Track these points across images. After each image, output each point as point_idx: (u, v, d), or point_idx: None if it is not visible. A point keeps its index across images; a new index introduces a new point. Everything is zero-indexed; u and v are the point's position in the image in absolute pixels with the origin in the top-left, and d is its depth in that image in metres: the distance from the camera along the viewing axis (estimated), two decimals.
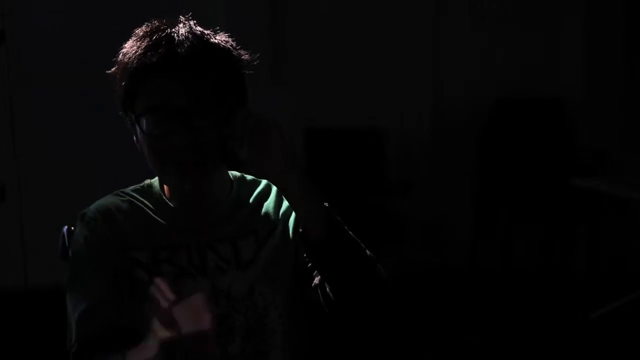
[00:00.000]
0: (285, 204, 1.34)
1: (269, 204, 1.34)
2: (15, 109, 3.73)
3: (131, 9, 3.58)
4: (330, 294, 1.21)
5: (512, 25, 4.26)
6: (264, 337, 1.26)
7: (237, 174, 1.38)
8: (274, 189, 1.36)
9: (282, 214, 1.34)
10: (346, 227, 1.20)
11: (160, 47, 1.17)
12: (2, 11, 3.64)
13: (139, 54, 1.18)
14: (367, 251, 1.22)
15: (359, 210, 3.88)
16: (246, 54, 1.26)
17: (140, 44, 1.19)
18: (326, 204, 1.20)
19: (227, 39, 1.25)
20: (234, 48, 1.25)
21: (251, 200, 1.34)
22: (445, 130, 4.29)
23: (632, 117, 4.28)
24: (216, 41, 1.23)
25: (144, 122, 1.20)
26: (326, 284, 1.21)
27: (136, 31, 1.23)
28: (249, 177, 1.39)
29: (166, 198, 1.31)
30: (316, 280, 1.25)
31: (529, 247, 4.27)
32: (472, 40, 4.24)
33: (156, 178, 1.35)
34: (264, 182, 1.38)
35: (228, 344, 1.24)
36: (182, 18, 1.23)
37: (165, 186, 1.33)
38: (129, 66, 1.19)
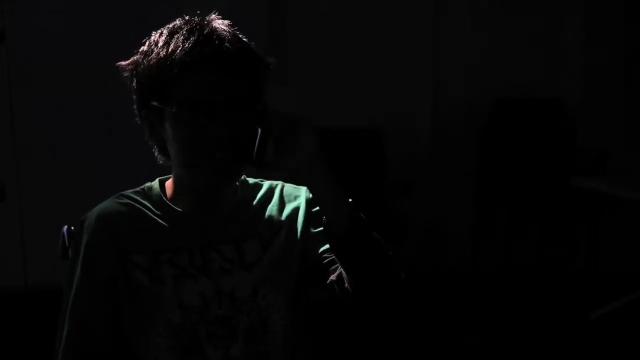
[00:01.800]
0: (289, 206, 1.35)
1: (272, 207, 1.35)
2: (15, 109, 3.73)
3: (131, 9, 3.58)
4: (349, 288, 1.21)
5: (512, 25, 4.26)
6: (266, 338, 1.26)
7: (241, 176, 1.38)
8: (277, 192, 1.37)
9: (287, 216, 1.34)
10: (368, 222, 1.22)
11: (211, 42, 1.19)
12: (2, 11, 3.64)
13: (186, 47, 1.18)
14: (386, 248, 1.23)
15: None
16: (271, 57, 1.28)
17: (183, 37, 1.20)
18: (350, 200, 1.22)
19: (251, 42, 1.27)
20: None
21: (254, 203, 1.35)
22: (445, 130, 4.29)
23: (632, 117, 4.28)
24: (244, 38, 1.25)
25: (183, 114, 1.20)
26: (345, 279, 1.22)
27: (175, 24, 1.24)
28: (251, 180, 1.39)
29: (167, 200, 1.31)
30: (332, 277, 1.25)
31: (529, 247, 4.27)
32: (472, 40, 4.24)
33: (156, 180, 1.35)
34: (265, 185, 1.38)
35: (230, 346, 1.23)
36: (213, 16, 1.25)
37: (166, 188, 1.33)
38: (173, 58, 1.19)
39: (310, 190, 1.23)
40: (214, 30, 1.21)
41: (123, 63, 1.27)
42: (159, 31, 1.25)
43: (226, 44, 1.19)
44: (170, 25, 1.24)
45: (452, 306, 3.80)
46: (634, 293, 3.61)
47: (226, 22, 1.25)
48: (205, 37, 1.20)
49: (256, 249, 1.29)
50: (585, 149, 4.18)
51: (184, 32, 1.21)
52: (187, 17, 1.25)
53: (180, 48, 1.19)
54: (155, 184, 1.34)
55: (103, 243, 1.25)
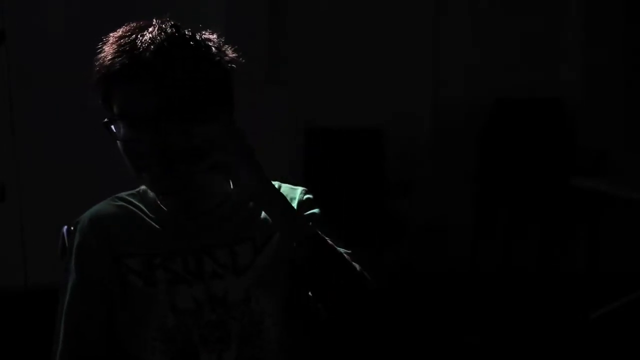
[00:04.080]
0: None
1: None
2: (15, 109, 3.72)
3: (132, 9, 3.57)
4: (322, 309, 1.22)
5: (512, 25, 4.26)
6: (259, 343, 1.24)
7: None
8: None
9: None
10: (329, 243, 1.18)
11: (124, 54, 1.15)
12: (2, 11, 3.64)
13: (107, 60, 1.17)
14: (352, 264, 1.20)
15: (359, 210, 3.87)
16: (232, 52, 1.23)
17: (109, 50, 1.18)
18: (305, 223, 1.20)
19: (209, 37, 1.22)
20: (217, 47, 1.21)
21: (251, 203, 1.31)
22: (445, 130, 4.29)
23: (632, 117, 4.28)
24: (191, 42, 1.19)
25: (113, 128, 1.20)
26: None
27: (110, 35, 1.21)
28: None
29: (160, 203, 1.30)
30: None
31: (529, 248, 4.27)
32: (472, 40, 4.24)
33: None
34: None
35: (223, 350, 1.22)
36: (154, 21, 1.20)
37: None
38: (99, 72, 1.18)
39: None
40: (130, 40, 1.16)
41: None
42: (106, 38, 1.21)
43: (139, 54, 1.14)
44: (112, 34, 1.21)
45: (452, 306, 3.80)
46: (634, 293, 3.61)
47: (161, 26, 1.18)
48: (119, 50, 1.16)
49: (249, 252, 1.27)
50: (585, 149, 4.18)
51: (109, 44, 1.18)
52: (130, 24, 1.21)
53: (106, 60, 1.17)
54: None
55: (96, 245, 1.25)
